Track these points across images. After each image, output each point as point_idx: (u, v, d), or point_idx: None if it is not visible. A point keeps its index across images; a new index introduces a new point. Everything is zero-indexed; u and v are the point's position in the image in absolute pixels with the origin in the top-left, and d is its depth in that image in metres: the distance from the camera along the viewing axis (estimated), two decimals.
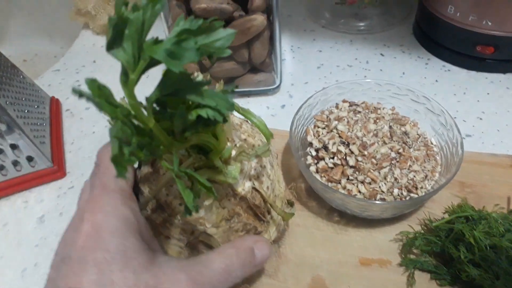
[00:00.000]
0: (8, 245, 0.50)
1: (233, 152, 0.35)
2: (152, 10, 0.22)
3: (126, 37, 0.21)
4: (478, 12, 0.59)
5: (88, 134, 0.63)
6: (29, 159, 0.54)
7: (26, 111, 0.56)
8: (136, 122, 0.24)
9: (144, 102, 0.24)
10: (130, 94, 0.23)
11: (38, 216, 0.53)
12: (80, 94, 0.22)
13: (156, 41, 0.22)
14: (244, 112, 0.37)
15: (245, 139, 0.39)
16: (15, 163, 0.54)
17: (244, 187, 0.36)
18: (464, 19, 0.61)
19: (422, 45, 0.71)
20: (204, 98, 0.24)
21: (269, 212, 0.39)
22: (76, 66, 0.76)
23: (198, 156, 0.32)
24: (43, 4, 1.05)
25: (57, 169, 0.56)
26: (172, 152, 0.28)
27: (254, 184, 0.37)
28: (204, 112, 0.24)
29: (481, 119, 0.58)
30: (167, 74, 0.23)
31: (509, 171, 0.50)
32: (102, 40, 0.81)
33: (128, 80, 0.22)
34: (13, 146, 0.53)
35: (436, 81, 0.65)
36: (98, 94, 0.22)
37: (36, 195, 0.55)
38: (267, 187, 0.38)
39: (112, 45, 0.21)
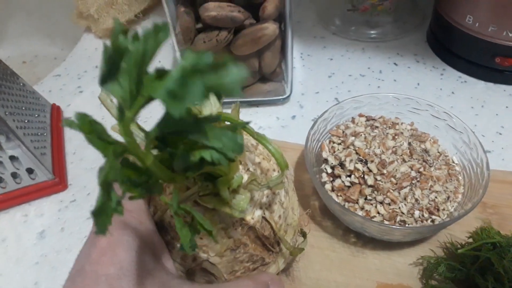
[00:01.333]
0: (7, 262, 0.48)
1: (245, 177, 0.33)
2: (155, 39, 0.19)
3: (122, 71, 0.19)
4: (499, 23, 0.57)
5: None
6: (29, 171, 0.52)
7: (26, 120, 0.53)
8: (132, 160, 0.22)
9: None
10: (126, 131, 0.20)
11: (38, 231, 0.50)
12: (72, 126, 0.20)
13: (159, 75, 0.19)
14: (259, 138, 0.34)
15: (259, 163, 0.36)
16: (15, 175, 0.52)
17: (253, 215, 0.34)
18: (483, 29, 0.59)
19: (437, 55, 0.69)
20: (210, 139, 0.21)
21: (278, 244, 0.37)
22: (78, 71, 0.74)
23: (204, 184, 0.30)
24: (43, 4, 1.03)
25: (58, 182, 0.54)
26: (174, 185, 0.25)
27: (264, 214, 0.34)
28: (208, 155, 0.22)
29: (500, 134, 0.56)
30: (168, 113, 0.20)
31: None
32: None
33: (123, 117, 0.20)
34: (13, 158, 0.50)
35: (453, 93, 0.63)
36: (89, 131, 0.20)
37: (36, 208, 0.53)
38: (279, 216, 0.36)
39: (105, 79, 0.19)
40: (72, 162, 0.58)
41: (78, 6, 0.76)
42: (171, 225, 0.33)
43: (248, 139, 0.38)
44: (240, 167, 0.34)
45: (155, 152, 0.23)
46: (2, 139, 0.49)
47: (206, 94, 0.18)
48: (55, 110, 0.64)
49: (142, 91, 0.19)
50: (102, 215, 0.18)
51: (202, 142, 0.21)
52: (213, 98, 0.32)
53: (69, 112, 0.66)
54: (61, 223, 0.51)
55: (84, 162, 0.58)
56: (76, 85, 0.71)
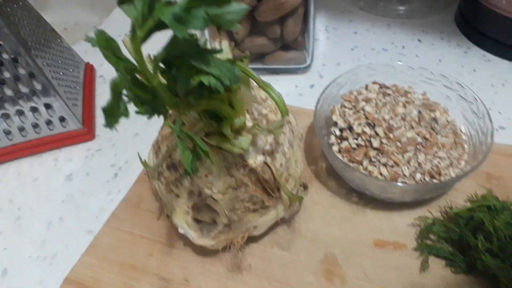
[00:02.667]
0: (37, 198, 0.52)
1: (250, 124, 0.35)
2: None
3: None
4: None
5: None
6: (61, 119, 0.56)
7: (61, 73, 0.58)
8: (140, 78, 0.25)
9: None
10: (136, 49, 0.23)
11: (66, 174, 0.55)
12: (91, 42, 0.23)
13: (168, 3, 0.22)
14: (264, 86, 0.37)
15: (266, 114, 0.39)
16: (48, 122, 0.56)
17: (255, 159, 0.36)
18: None
19: (463, 33, 0.68)
20: (209, 65, 0.24)
21: (278, 190, 0.39)
22: (114, 35, 0.77)
23: (209, 121, 0.32)
24: None
25: (87, 131, 0.58)
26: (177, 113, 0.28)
27: (266, 159, 0.37)
28: (206, 79, 0.24)
29: None
30: (175, 37, 0.23)
31: None
32: None
33: (135, 36, 0.23)
34: (47, 106, 0.55)
35: (474, 70, 0.62)
36: (105, 46, 0.23)
37: (66, 154, 0.57)
38: (281, 164, 0.38)
39: (123, 0, 0.22)
40: (101, 115, 0.62)
41: None
42: (180, 163, 0.37)
43: (258, 93, 0.41)
44: (247, 116, 0.37)
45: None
46: (38, 87, 0.53)
47: (207, 22, 0.21)
48: (89, 68, 0.68)
49: (153, 14, 0.22)
50: (111, 114, 0.21)
51: (202, 68, 0.24)
52: (225, 44, 0.35)
53: (102, 71, 0.70)
54: (87, 168, 0.55)
55: None
56: None
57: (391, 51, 0.67)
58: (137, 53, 0.23)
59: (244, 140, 0.33)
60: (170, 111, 0.38)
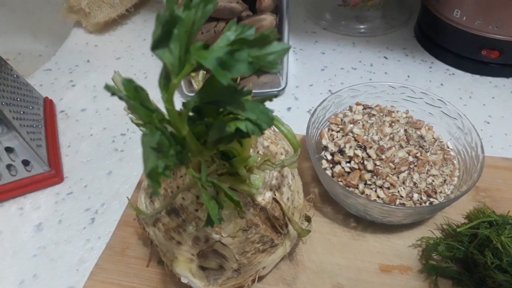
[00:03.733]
0: (4, 255, 0.47)
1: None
2: (204, 10, 0.20)
3: (174, 38, 0.19)
4: (485, 17, 0.59)
5: (85, 136, 0.60)
6: (25, 163, 0.51)
7: (21, 112, 0.53)
8: (170, 129, 0.22)
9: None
10: (169, 99, 0.21)
11: (35, 224, 0.50)
12: (114, 93, 0.20)
13: (205, 46, 0.20)
14: (274, 121, 0.35)
15: (267, 146, 0.37)
16: (10, 167, 0.51)
17: (264, 197, 0.34)
18: (470, 23, 0.61)
19: (425, 48, 0.71)
20: (246, 110, 0.22)
21: (286, 225, 0.37)
22: (69, 66, 0.73)
23: (221, 162, 0.30)
24: (27, 1, 1.01)
25: (54, 174, 0.53)
26: (200, 160, 0.26)
27: (275, 195, 0.35)
28: (243, 126, 0.22)
29: (488, 123, 0.58)
30: (211, 82, 0.21)
31: None
32: (95, 39, 0.78)
33: (169, 84, 0.20)
34: (9, 149, 0.50)
35: (442, 84, 0.65)
36: (134, 96, 0.20)
37: (32, 201, 0.52)
38: (287, 198, 0.37)
39: (158, 45, 0.19)
40: (67, 155, 0.57)
41: (68, 0, 0.76)
42: (182, 207, 0.34)
43: None
44: (251, 150, 0.35)
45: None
46: None
47: (252, 66, 0.19)
48: (48, 104, 0.63)
49: (189, 59, 0.19)
50: (154, 179, 0.19)
51: (239, 113, 0.22)
52: (201, 75, 0.33)
53: (62, 106, 0.65)
54: (59, 215, 0.50)
55: (79, 155, 0.57)
56: (68, 79, 0.70)
57: (360, 69, 0.68)
58: (170, 103, 0.20)
59: (257, 179, 0.31)
60: None
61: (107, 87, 0.19)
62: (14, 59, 1.05)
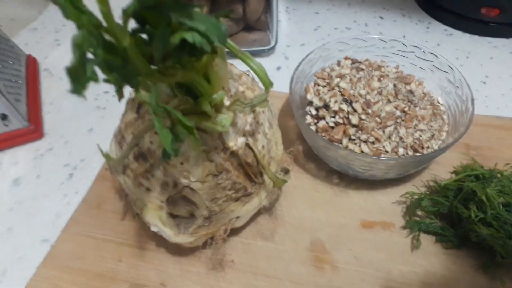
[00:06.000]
0: None
1: (228, 102, 0.31)
2: None
3: None
4: None
5: (68, 94, 0.58)
6: (3, 117, 0.50)
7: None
8: (108, 38, 0.20)
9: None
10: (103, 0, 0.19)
11: (12, 179, 0.49)
12: None
13: None
14: (243, 56, 0.33)
15: (243, 92, 0.35)
16: None
17: (236, 142, 0.33)
18: None
19: (423, 9, 0.68)
20: (193, 20, 0.19)
21: (261, 174, 0.36)
22: (56, 25, 0.71)
23: (185, 97, 0.28)
24: None
25: (34, 129, 0.52)
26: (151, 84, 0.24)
27: (248, 141, 0.33)
28: (190, 36, 0.20)
29: (484, 83, 0.56)
30: None
31: None
32: None
33: None
34: None
35: (438, 45, 0.62)
36: None
37: (11, 157, 0.51)
38: (262, 146, 0.35)
39: None
40: (49, 112, 0.56)
41: None
42: (150, 151, 0.32)
43: (232, 69, 0.37)
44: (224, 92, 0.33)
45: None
46: None
47: None
48: (31, 61, 0.61)
49: None
50: (77, 78, 0.17)
51: (185, 22, 0.20)
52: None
53: (46, 64, 0.63)
54: (37, 171, 0.49)
55: (62, 112, 0.56)
56: (53, 38, 0.68)
57: (354, 29, 0.66)
58: (104, 3, 0.18)
59: (225, 118, 0.29)
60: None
61: None
62: (7, 25, 1.03)
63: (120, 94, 0.22)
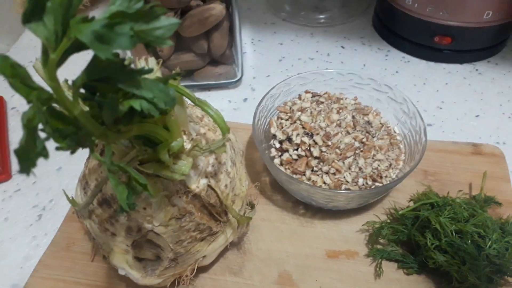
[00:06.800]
0: None
1: (188, 146, 0.33)
2: None
3: (48, 10, 0.18)
4: (435, 3, 0.59)
5: None
6: None
7: None
8: (59, 108, 0.21)
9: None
10: (51, 76, 0.20)
11: None
12: None
13: (85, 20, 0.19)
14: (200, 104, 0.34)
15: (204, 133, 0.36)
16: None
17: (198, 184, 0.34)
18: (422, 10, 0.61)
19: (382, 37, 0.71)
20: (141, 88, 0.21)
21: (225, 213, 0.37)
22: (23, 62, 0.70)
23: (143, 148, 0.29)
24: None
25: (1, 171, 0.52)
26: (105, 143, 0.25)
27: (210, 182, 0.34)
28: (137, 104, 0.21)
29: (441, 108, 0.59)
30: (96, 57, 0.20)
31: (470, 158, 0.50)
32: None
33: (48, 60, 0.19)
34: None
35: (397, 72, 0.65)
36: (11, 74, 0.19)
37: None
38: (225, 185, 0.36)
39: (29, 18, 0.18)
40: None
41: None
42: (113, 197, 0.33)
43: (193, 111, 0.38)
44: (184, 137, 0.34)
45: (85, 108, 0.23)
46: None
47: (134, 40, 0.18)
48: None
49: (68, 33, 0.19)
50: (26, 157, 0.18)
51: (132, 91, 0.21)
52: (152, 62, 0.32)
53: (13, 103, 0.63)
54: (5, 212, 0.49)
55: None
56: None
57: (317, 59, 0.68)
58: (52, 79, 0.19)
59: (184, 165, 0.30)
60: (97, 141, 0.34)
61: None
62: None
63: (73, 152, 0.23)
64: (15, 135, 0.58)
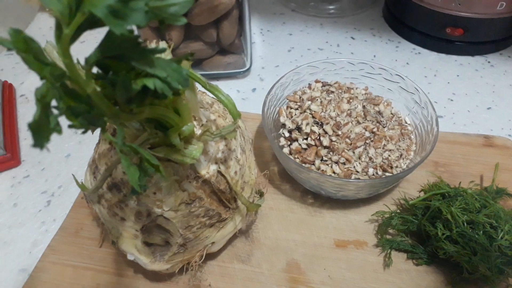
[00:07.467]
0: None
1: (198, 132, 0.32)
2: None
3: None
4: None
5: None
6: None
7: None
8: (71, 86, 0.21)
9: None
10: (64, 51, 0.20)
11: None
12: (4, 44, 0.19)
13: None
14: (211, 88, 0.34)
15: (214, 120, 0.36)
16: None
17: (208, 170, 0.33)
18: (434, 0, 0.60)
19: (392, 28, 0.71)
20: (154, 67, 0.21)
21: (235, 200, 0.37)
22: None
23: (154, 131, 0.29)
24: None
25: (10, 157, 0.52)
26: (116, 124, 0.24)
27: (220, 168, 0.34)
28: (151, 83, 0.21)
29: (452, 100, 0.58)
30: (110, 33, 0.20)
31: (481, 150, 0.50)
32: None
33: (61, 35, 0.19)
34: None
35: (407, 63, 0.64)
36: (24, 49, 0.19)
37: None
38: (235, 172, 0.36)
39: None
40: (26, 138, 0.56)
41: None
42: (123, 182, 0.33)
43: (203, 97, 0.38)
44: (195, 122, 0.34)
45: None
46: None
47: (149, 15, 0.18)
48: (7, 88, 0.61)
49: (82, 7, 0.18)
50: (40, 131, 0.18)
51: (146, 70, 0.21)
52: (163, 45, 0.32)
53: (22, 90, 0.63)
54: (14, 198, 0.49)
55: None
56: None
57: (326, 50, 0.68)
58: (66, 56, 0.19)
59: (195, 149, 0.30)
60: (107, 125, 0.34)
61: (1, 41, 0.18)
62: None
63: (84, 132, 0.23)
64: (24, 122, 0.58)
